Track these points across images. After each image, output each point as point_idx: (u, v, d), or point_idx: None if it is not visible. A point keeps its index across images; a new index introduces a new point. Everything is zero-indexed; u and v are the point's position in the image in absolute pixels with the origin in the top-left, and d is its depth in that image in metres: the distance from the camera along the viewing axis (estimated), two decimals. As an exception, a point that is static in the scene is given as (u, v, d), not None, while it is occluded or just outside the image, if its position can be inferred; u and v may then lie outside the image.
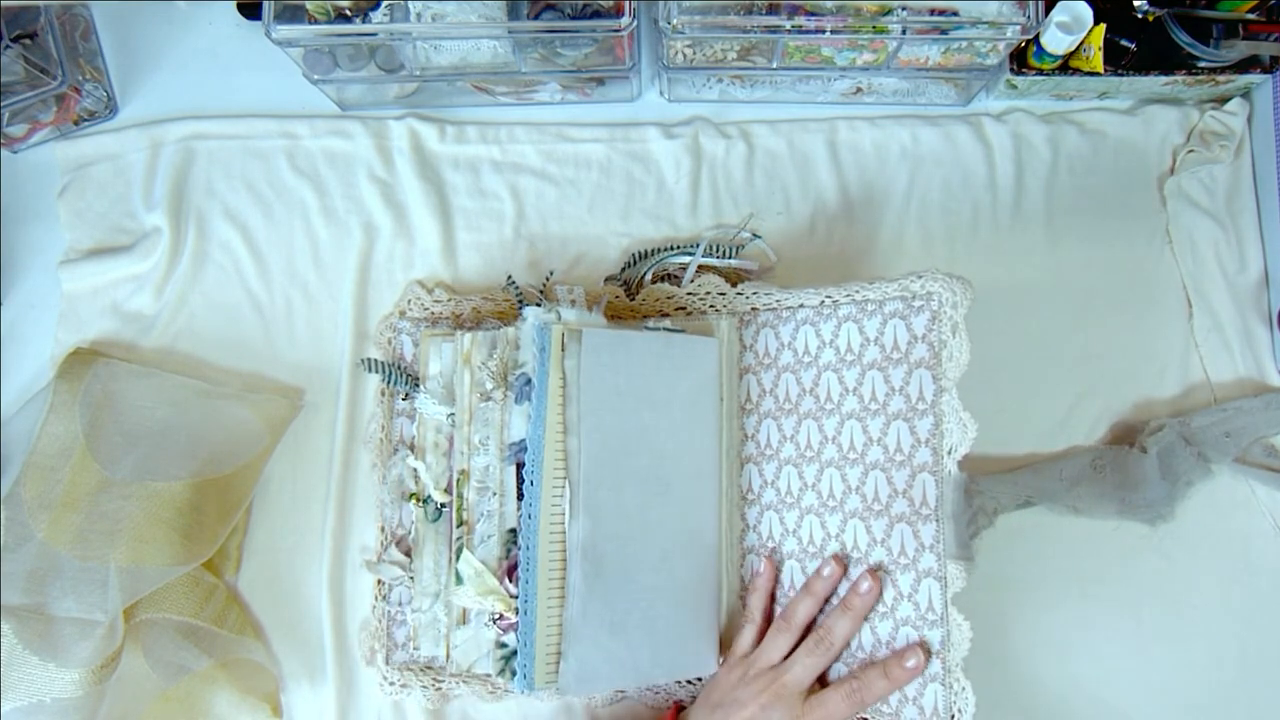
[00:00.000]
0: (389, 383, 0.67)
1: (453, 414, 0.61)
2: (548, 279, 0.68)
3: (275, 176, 0.73)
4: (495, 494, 0.57)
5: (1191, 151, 0.72)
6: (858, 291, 0.58)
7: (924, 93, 0.73)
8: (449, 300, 0.69)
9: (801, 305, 0.62)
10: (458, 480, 0.59)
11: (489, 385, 0.58)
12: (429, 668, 0.65)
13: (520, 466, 0.56)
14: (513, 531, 0.56)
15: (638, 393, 0.58)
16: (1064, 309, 0.70)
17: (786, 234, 0.72)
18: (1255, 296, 0.71)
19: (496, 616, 0.56)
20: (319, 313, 0.71)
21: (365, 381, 0.70)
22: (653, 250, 0.69)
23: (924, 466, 0.55)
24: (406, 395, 0.67)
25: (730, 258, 0.69)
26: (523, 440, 0.56)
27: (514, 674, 0.53)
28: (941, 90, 0.73)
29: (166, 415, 0.66)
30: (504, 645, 0.56)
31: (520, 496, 0.55)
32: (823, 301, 0.61)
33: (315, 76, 0.69)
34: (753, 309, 0.64)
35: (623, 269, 0.70)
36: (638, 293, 0.68)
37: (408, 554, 0.65)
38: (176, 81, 0.75)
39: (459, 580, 0.57)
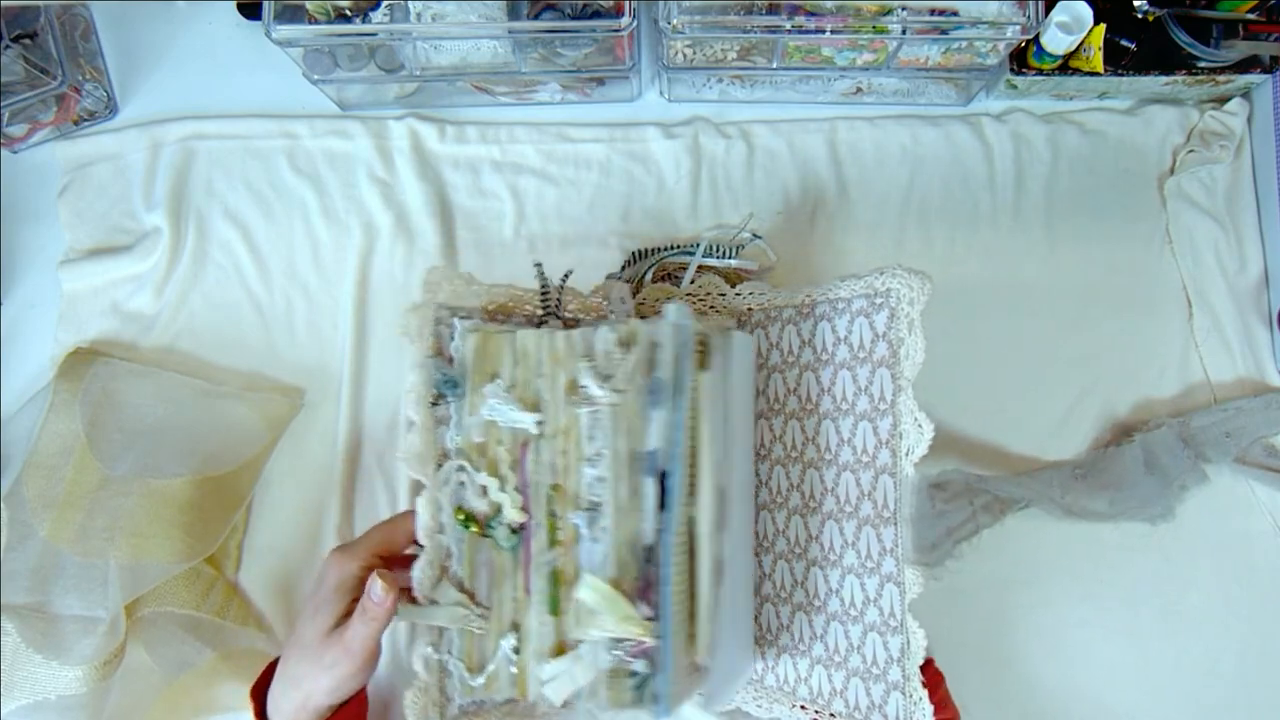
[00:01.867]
0: (443, 386, 0.57)
1: (541, 421, 0.54)
2: (565, 279, 0.64)
3: (275, 176, 0.73)
4: (612, 509, 0.51)
5: (1191, 151, 0.72)
6: (830, 290, 0.58)
7: (924, 93, 0.73)
8: (477, 289, 0.60)
9: (788, 305, 0.62)
10: (548, 496, 0.53)
11: (598, 390, 0.52)
12: (476, 714, 0.56)
13: (663, 477, 0.51)
14: (647, 549, 0.50)
15: (740, 396, 0.57)
16: (1064, 309, 0.70)
17: (786, 234, 0.72)
18: (1255, 296, 0.71)
19: (618, 641, 0.50)
20: (319, 313, 0.71)
21: (366, 381, 0.70)
22: (653, 250, 0.69)
23: (885, 468, 0.54)
24: (437, 399, 0.56)
25: (730, 257, 0.69)
26: (654, 450, 0.51)
27: (652, 699, 0.49)
28: (941, 90, 0.73)
29: (166, 413, 0.66)
30: (634, 673, 0.50)
31: (662, 508, 0.50)
32: (803, 301, 0.60)
33: (315, 76, 0.69)
34: (748, 309, 0.64)
35: (622, 268, 0.70)
36: (638, 292, 0.68)
37: (460, 587, 0.55)
38: (176, 81, 0.75)
39: (553, 609, 0.51)
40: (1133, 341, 0.70)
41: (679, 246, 0.69)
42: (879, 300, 0.55)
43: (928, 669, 0.60)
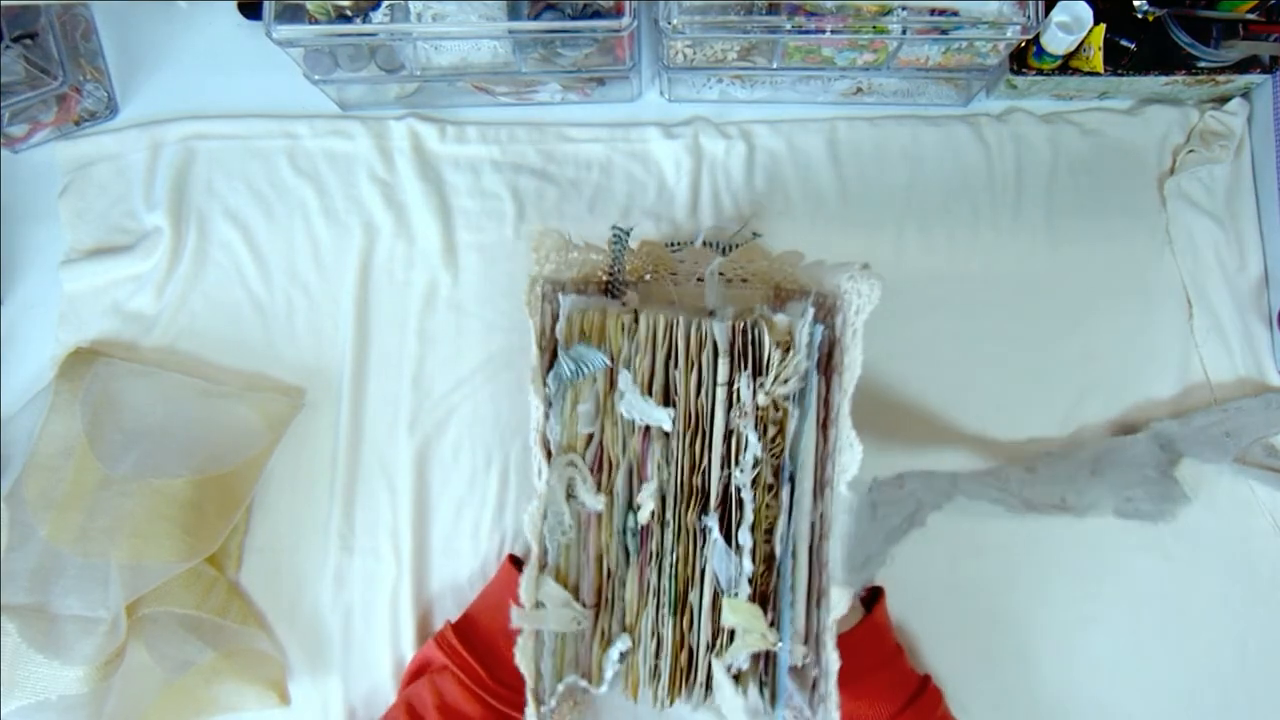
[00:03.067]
0: (577, 370, 0.54)
1: (674, 418, 0.52)
2: (624, 237, 0.58)
3: (275, 176, 0.73)
4: (752, 514, 0.51)
5: (1191, 151, 0.72)
6: (807, 272, 0.56)
7: (924, 93, 0.73)
8: (574, 258, 0.57)
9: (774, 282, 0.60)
10: (685, 502, 0.51)
11: (752, 393, 0.50)
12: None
13: (792, 479, 0.51)
14: (769, 556, 0.51)
15: None
16: (1064, 309, 0.70)
17: (786, 234, 0.72)
18: (1255, 296, 0.71)
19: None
20: (319, 313, 0.71)
21: (367, 381, 0.70)
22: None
23: (828, 480, 0.52)
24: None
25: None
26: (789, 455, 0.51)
27: (774, 699, 0.50)
28: (941, 90, 0.73)
29: (166, 413, 0.66)
30: (764, 682, 0.51)
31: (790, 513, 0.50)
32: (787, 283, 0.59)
33: (315, 76, 0.69)
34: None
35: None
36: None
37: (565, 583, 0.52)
38: (176, 81, 0.75)
39: (674, 610, 0.50)
40: (1133, 341, 0.70)
41: (681, 244, 0.69)
42: (831, 301, 0.53)
43: (926, 687, 0.58)
